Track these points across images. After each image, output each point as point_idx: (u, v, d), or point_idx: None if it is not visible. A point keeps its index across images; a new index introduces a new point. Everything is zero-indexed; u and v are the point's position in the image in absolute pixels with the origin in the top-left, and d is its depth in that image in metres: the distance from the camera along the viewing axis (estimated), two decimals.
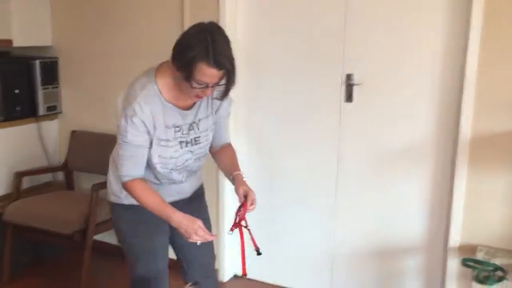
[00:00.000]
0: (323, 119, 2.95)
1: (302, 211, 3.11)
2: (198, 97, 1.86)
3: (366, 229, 2.97)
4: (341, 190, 2.99)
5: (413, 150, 2.78)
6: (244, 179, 2.02)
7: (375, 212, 2.93)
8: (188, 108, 1.95)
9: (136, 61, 3.26)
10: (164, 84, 1.87)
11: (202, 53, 1.68)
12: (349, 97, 2.85)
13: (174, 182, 2.05)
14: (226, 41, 1.75)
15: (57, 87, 3.59)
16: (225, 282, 3.32)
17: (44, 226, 3.06)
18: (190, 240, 1.85)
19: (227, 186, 3.09)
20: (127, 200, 2.03)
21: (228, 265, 3.32)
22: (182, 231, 1.86)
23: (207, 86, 1.77)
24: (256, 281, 3.33)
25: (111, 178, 2.08)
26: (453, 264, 2.69)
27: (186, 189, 2.13)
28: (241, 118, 3.13)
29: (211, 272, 2.36)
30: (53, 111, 3.58)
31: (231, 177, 2.04)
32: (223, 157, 2.14)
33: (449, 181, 2.70)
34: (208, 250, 2.27)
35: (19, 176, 3.29)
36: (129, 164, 1.89)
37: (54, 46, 3.58)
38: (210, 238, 1.88)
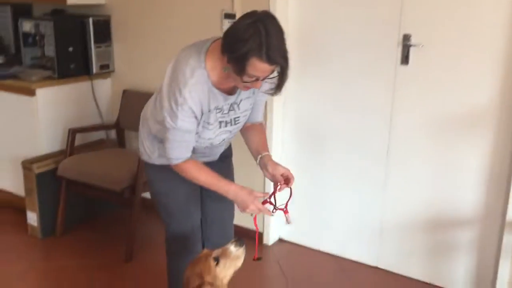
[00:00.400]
0: (376, 82, 2.82)
1: (352, 178, 3.02)
2: (247, 88, 1.80)
3: (417, 199, 2.84)
4: (393, 158, 2.86)
5: (473, 117, 2.61)
6: (271, 157, 2.00)
7: (428, 182, 2.79)
8: (232, 91, 1.89)
9: (189, 21, 3.24)
10: (212, 68, 1.80)
11: (255, 48, 1.61)
12: (405, 59, 2.69)
13: (204, 152, 2.04)
14: (280, 33, 1.66)
15: (109, 45, 3.61)
16: (270, 245, 3.31)
17: (96, 183, 3.13)
18: (245, 211, 1.85)
19: (275, 149, 3.04)
20: (158, 160, 2.02)
21: (273, 229, 3.30)
22: (238, 202, 1.86)
23: (257, 79, 1.71)
24: (302, 246, 3.30)
25: (143, 137, 2.06)
26: (510, 239, 2.54)
27: (214, 153, 2.11)
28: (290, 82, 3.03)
29: (230, 235, 2.31)
30: (105, 69, 3.63)
31: (260, 156, 2.00)
32: (252, 135, 2.07)
33: (510, 151, 2.52)
34: (231, 215, 2.29)
35: (72, 133, 3.37)
36: (178, 147, 1.86)
37: (107, 4, 3.59)
38: (265, 211, 1.89)
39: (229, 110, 1.91)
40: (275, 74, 1.72)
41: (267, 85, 1.80)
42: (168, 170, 1.97)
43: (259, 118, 2.10)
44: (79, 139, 3.47)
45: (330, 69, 2.95)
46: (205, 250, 1.85)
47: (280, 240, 3.37)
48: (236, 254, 1.80)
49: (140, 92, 3.52)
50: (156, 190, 2.13)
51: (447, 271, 2.83)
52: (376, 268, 3.05)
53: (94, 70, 3.55)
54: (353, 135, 2.95)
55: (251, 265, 3.03)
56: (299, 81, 3.02)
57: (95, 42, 3.51)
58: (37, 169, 3.26)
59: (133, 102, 3.54)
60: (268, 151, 2.02)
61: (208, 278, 1.74)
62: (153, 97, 2.04)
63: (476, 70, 2.55)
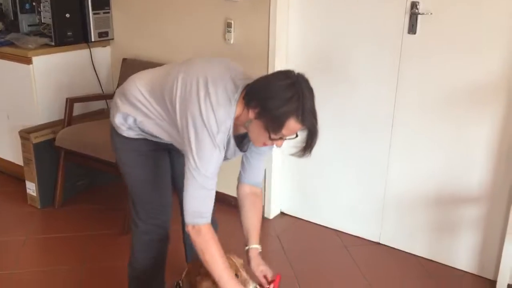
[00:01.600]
0: (382, 51, 2.69)
1: (355, 151, 2.93)
2: (265, 145, 1.74)
3: (422, 174, 2.75)
4: (398, 131, 2.76)
5: (482, 90, 2.48)
6: (259, 252, 1.94)
7: (433, 157, 2.69)
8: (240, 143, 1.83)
9: None
10: (235, 118, 1.72)
11: (294, 110, 1.59)
12: (412, 28, 2.56)
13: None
14: (312, 96, 1.65)
15: (108, 12, 3.51)
16: (271, 219, 3.26)
17: (94, 153, 3.07)
18: None
19: None
20: (127, 133, 1.93)
21: (274, 202, 3.25)
22: None
23: (281, 138, 1.67)
24: (302, 220, 3.25)
25: (115, 110, 1.93)
26: None
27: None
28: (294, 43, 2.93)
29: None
30: (104, 37, 3.53)
31: (247, 248, 1.93)
32: (249, 213, 1.97)
33: None
34: None
35: (71, 102, 3.30)
36: (203, 202, 1.71)
37: None
38: None
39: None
40: (307, 139, 1.68)
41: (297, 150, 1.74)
42: (136, 142, 1.90)
43: (260, 178, 2.01)
44: (78, 109, 3.41)
45: (334, 35, 2.83)
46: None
47: (282, 214, 3.32)
48: None
49: (140, 61, 3.43)
50: (122, 160, 2.01)
51: (451, 249, 2.76)
52: (378, 244, 2.99)
53: (93, 37, 3.46)
54: (356, 106, 2.85)
55: None
56: (303, 44, 2.90)
57: (93, 8, 3.41)
58: (35, 139, 3.21)
59: (133, 71, 3.37)
60: (257, 242, 1.95)
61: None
62: (146, 86, 1.87)
63: (487, 41, 2.42)
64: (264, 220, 3.23)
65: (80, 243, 2.96)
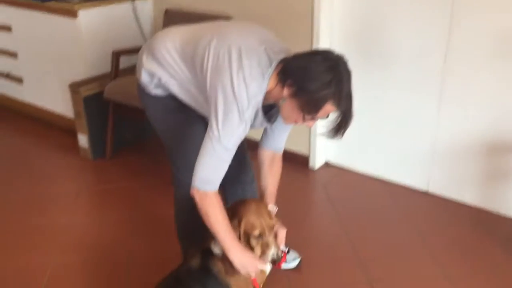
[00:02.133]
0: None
1: (405, 96, 2.85)
2: (295, 123, 1.71)
3: (474, 120, 2.67)
4: (450, 75, 2.65)
5: None
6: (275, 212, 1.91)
7: (487, 102, 2.60)
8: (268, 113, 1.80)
9: None
10: (266, 93, 1.68)
11: (333, 93, 1.56)
12: None
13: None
14: (350, 79, 1.61)
15: None
16: (316, 170, 3.26)
17: (140, 106, 3.11)
18: (243, 273, 1.75)
19: None
20: (155, 92, 1.91)
21: (319, 153, 3.23)
22: (241, 263, 1.73)
23: (313, 119, 1.65)
24: (348, 170, 3.23)
25: (142, 67, 1.91)
26: None
27: None
28: None
29: (248, 165, 2.22)
30: None
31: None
32: (269, 176, 1.99)
33: None
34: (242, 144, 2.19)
35: (116, 55, 3.33)
36: (216, 172, 1.70)
37: None
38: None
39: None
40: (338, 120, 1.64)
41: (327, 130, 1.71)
42: (166, 100, 1.88)
43: (282, 145, 2.00)
44: (124, 62, 3.44)
45: None
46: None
47: (327, 164, 3.31)
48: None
49: (183, 12, 3.40)
50: (153, 117, 2.01)
51: (503, 197, 2.70)
52: (426, 193, 2.96)
53: None
54: (407, 47, 2.75)
55: (296, 191, 3.04)
56: None
57: None
58: (84, 92, 3.28)
59: (176, 22, 3.38)
60: (273, 202, 1.97)
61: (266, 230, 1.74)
62: (180, 41, 1.84)
63: None
64: (309, 171, 3.24)
65: (132, 193, 3.06)
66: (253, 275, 1.75)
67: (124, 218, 2.81)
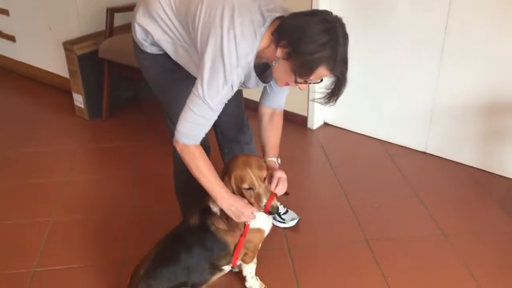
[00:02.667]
0: None
1: (404, 55, 2.81)
2: (286, 85, 1.67)
3: (473, 81, 2.64)
4: (451, 34, 2.61)
5: None
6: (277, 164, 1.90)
7: (487, 63, 2.56)
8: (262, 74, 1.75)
9: None
10: (259, 52, 1.62)
11: (328, 57, 1.50)
12: None
13: None
14: (347, 42, 1.55)
15: None
16: (315, 130, 3.25)
17: (135, 64, 3.06)
18: (240, 220, 1.73)
19: None
20: (150, 49, 1.87)
21: (318, 113, 3.21)
22: (233, 210, 1.71)
23: (305, 82, 1.59)
24: (346, 130, 3.22)
25: (138, 24, 1.85)
26: None
27: None
28: None
29: (246, 126, 2.22)
30: None
31: (266, 158, 1.91)
32: (269, 133, 1.96)
33: None
34: (239, 103, 2.16)
35: (111, 12, 3.26)
36: (197, 128, 1.68)
37: None
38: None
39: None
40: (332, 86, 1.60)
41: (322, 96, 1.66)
42: (162, 58, 1.84)
43: (281, 103, 1.97)
44: (119, 20, 3.37)
45: None
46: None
47: (325, 124, 3.30)
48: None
49: None
50: (149, 75, 1.98)
51: (500, 157, 2.71)
52: (424, 153, 2.96)
53: None
54: (408, 3, 2.69)
55: (295, 150, 3.03)
56: None
57: None
58: (79, 50, 3.22)
59: None
60: (275, 155, 1.93)
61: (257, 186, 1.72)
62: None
63: None
64: (308, 130, 3.23)
65: (129, 152, 3.05)
66: (246, 219, 1.74)
67: (123, 176, 2.81)
